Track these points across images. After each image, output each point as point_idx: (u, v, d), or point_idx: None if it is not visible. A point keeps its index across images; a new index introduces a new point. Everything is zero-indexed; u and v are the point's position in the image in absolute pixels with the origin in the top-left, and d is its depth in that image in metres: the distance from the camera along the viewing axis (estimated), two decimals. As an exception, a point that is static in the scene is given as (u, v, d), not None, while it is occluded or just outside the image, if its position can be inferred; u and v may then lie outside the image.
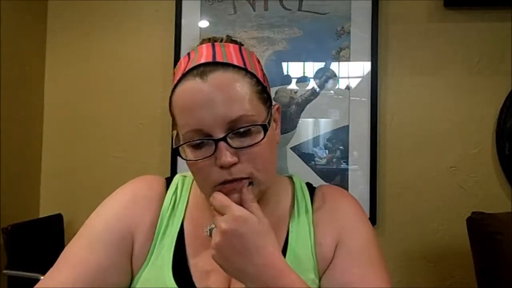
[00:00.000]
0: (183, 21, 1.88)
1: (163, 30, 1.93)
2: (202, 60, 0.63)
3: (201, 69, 0.62)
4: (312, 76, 1.83)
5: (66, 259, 0.66)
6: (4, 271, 1.61)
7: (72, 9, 2.01)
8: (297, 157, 1.80)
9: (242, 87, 0.62)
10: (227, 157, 0.59)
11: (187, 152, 0.64)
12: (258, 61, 0.70)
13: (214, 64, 0.62)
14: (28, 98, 1.95)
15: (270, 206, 0.71)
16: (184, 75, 0.63)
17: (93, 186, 1.94)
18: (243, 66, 0.64)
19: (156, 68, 1.94)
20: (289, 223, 0.71)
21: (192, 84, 0.61)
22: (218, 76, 0.61)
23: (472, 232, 1.39)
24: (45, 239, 1.79)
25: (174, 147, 0.65)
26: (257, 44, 1.83)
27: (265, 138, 0.62)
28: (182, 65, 0.66)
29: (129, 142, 1.95)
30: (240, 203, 0.61)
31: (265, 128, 0.62)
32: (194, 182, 0.75)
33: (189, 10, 1.88)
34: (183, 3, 1.88)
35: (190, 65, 0.63)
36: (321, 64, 1.83)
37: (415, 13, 1.80)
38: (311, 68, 1.84)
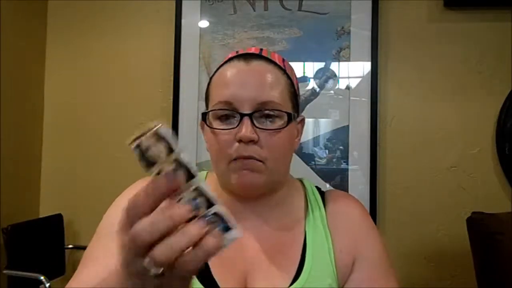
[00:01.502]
0: (183, 21, 1.88)
1: (163, 30, 1.93)
2: (249, 51, 0.71)
3: (247, 57, 0.70)
4: (312, 76, 1.83)
5: (84, 260, 0.68)
6: (4, 271, 1.61)
7: (72, 9, 2.01)
8: (297, 157, 1.80)
9: (278, 80, 0.69)
10: (248, 131, 0.64)
11: (213, 124, 0.68)
12: (296, 77, 0.77)
13: (259, 56, 0.70)
14: (28, 98, 1.95)
15: (285, 207, 0.74)
16: (231, 59, 0.71)
17: (93, 186, 1.94)
18: (283, 67, 0.71)
19: (156, 68, 1.94)
20: (305, 225, 0.73)
21: (236, 65, 0.69)
22: (260, 64, 0.69)
23: (472, 232, 1.38)
24: (45, 239, 1.79)
25: (202, 112, 0.70)
26: (257, 44, 1.82)
27: (287, 131, 0.67)
28: (230, 55, 0.73)
29: (129, 142, 1.94)
30: (251, 183, 0.65)
31: (289, 117, 0.67)
32: (208, 177, 0.78)
33: (189, 10, 1.89)
34: (183, 3, 1.88)
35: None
36: (321, 64, 1.83)
37: (415, 13, 1.80)
38: (311, 68, 1.84)
